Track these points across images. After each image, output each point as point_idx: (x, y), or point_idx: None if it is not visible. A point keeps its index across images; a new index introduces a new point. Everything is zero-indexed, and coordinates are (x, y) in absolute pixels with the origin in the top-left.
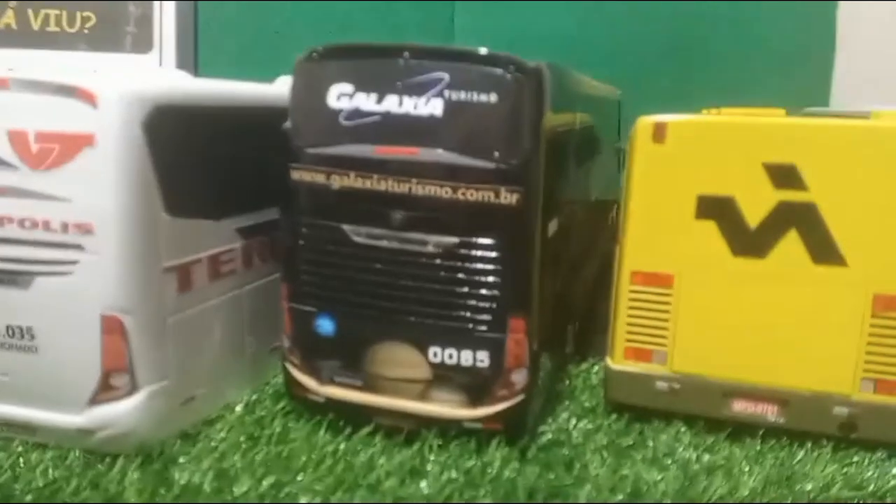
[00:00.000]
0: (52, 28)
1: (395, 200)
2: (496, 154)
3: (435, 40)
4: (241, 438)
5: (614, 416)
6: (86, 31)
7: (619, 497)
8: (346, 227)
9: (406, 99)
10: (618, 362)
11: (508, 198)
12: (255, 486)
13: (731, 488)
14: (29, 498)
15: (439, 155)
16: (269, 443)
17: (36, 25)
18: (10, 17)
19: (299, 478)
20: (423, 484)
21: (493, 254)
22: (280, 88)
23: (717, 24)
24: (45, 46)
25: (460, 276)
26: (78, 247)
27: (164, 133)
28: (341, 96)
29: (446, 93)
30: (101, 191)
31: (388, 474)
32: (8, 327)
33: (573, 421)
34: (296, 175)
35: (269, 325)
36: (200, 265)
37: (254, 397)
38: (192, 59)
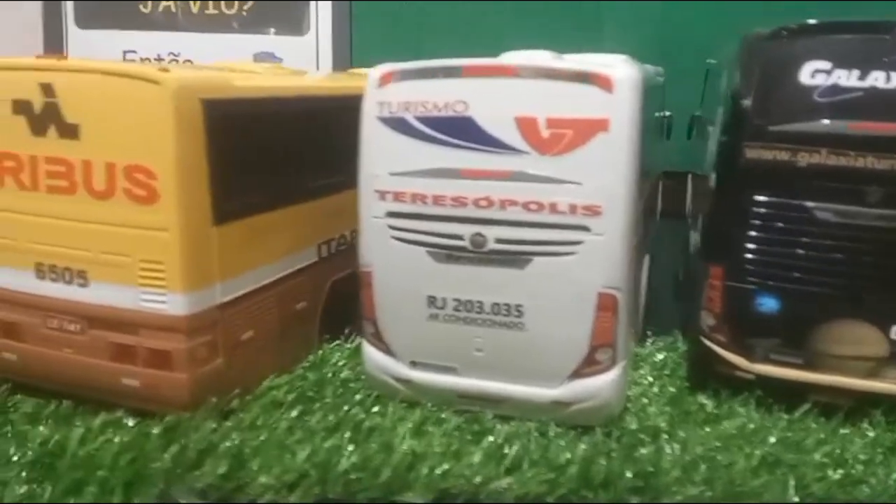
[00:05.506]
0: (211, 11)
1: (874, 177)
2: None
3: (582, 36)
4: (676, 412)
5: None
6: (243, 14)
7: None
8: (809, 203)
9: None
10: None
11: None
12: (747, 458)
13: None
14: (573, 470)
15: None
16: (711, 420)
17: (195, 8)
18: (170, 0)
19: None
20: None
21: None
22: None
23: None
24: (204, 29)
25: None
26: (584, 228)
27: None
28: (816, 73)
29: None
30: (612, 173)
31: (867, 450)
32: (495, 305)
33: None
34: (752, 153)
35: None
36: (633, 245)
37: (649, 371)
38: (348, 41)
